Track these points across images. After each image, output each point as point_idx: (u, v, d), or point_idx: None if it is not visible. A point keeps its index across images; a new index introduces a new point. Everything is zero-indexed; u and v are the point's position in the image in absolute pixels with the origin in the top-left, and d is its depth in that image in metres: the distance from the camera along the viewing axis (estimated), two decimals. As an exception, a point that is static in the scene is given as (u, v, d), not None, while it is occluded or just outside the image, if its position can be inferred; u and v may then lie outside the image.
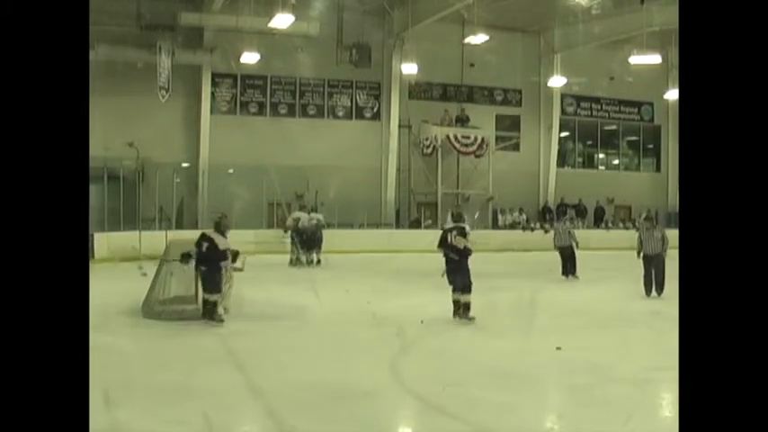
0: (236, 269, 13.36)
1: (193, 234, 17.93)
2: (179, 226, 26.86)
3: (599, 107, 37.25)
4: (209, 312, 12.39)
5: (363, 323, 12.87)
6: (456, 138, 32.08)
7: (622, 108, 37.77)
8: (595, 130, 37.82)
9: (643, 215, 23.76)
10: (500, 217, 33.01)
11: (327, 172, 29.23)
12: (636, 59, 30.15)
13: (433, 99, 33.47)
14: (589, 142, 38.33)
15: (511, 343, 11.18)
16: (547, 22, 33.04)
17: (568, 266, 19.81)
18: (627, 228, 34.57)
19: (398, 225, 31.86)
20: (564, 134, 36.61)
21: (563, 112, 35.96)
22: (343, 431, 7.13)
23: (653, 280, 16.01)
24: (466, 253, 12.84)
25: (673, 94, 36.39)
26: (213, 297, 12.48)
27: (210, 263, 12.61)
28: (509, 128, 35.17)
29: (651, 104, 38.15)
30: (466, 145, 32.27)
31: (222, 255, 12.73)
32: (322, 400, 7.84)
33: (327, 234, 24.23)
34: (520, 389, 8.47)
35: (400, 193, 32.48)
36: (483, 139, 32.53)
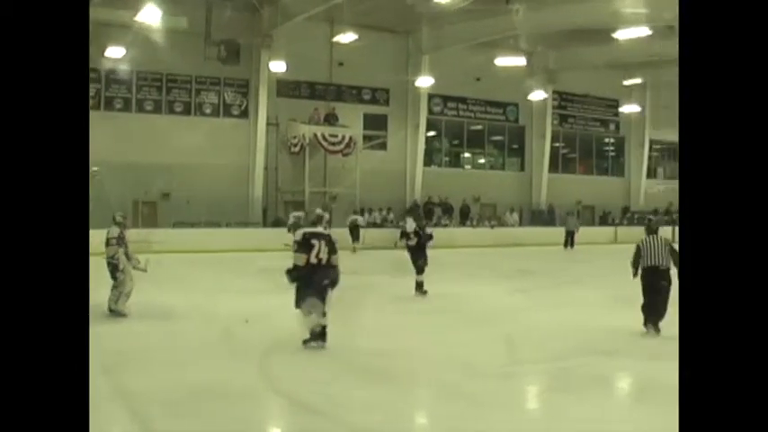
0: (138, 269, 13.26)
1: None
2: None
3: (465, 107, 37.90)
4: None
5: (231, 323, 12.75)
6: (324, 136, 32.06)
7: (488, 108, 38.54)
8: (462, 129, 38.46)
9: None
10: (367, 215, 33.09)
11: (195, 170, 28.87)
12: (501, 61, 30.79)
13: (301, 97, 33.35)
14: (455, 141, 38.97)
15: (378, 340, 11.22)
16: (415, 23, 33.35)
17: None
18: (492, 226, 35.33)
19: (266, 224, 31.61)
20: (431, 133, 37.06)
21: (430, 111, 36.38)
22: (212, 432, 7.07)
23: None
24: (423, 244, 16.05)
25: (536, 95, 37.42)
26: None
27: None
28: (377, 127, 35.41)
29: (516, 105, 39.08)
30: (334, 144, 32.29)
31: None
32: (190, 402, 7.73)
33: (195, 233, 24.05)
34: (389, 386, 8.54)
35: (268, 191, 32.24)
36: (351, 138, 32.61)
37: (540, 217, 39.22)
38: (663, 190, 47.02)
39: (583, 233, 36.51)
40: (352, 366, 9.52)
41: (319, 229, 10.76)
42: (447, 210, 36.06)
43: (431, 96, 36.11)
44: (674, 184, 48.13)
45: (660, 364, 9.97)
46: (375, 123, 35.34)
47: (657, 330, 11.64)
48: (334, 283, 10.40)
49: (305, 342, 10.16)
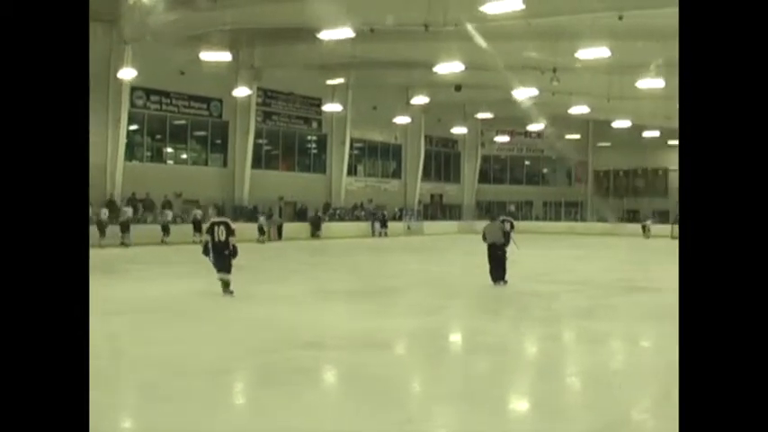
0: None
1: None
2: None
3: (169, 101, 37.50)
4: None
5: None
6: (18, 127, 30.44)
7: (192, 103, 38.34)
8: (164, 124, 37.96)
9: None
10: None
11: None
12: (206, 56, 30.63)
13: (-7, 86, 31.48)
14: (158, 136, 38.40)
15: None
16: (119, 12, 32.33)
17: None
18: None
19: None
20: (133, 127, 36.28)
21: (132, 104, 35.64)
22: None
23: None
24: (227, 243, 15.43)
25: (241, 92, 37.59)
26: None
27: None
28: (76, 119, 34.10)
29: (220, 101, 39.14)
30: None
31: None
32: None
33: None
34: (91, 389, 8.22)
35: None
36: (48, 130, 31.19)
37: (243, 212, 39.43)
38: (363, 186, 48.71)
39: (285, 228, 37.57)
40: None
41: None
42: (148, 206, 35.46)
43: (133, 89, 35.37)
44: (373, 181, 50.03)
45: (364, 354, 10.36)
46: (74, 115, 33.98)
47: (505, 282, 17.72)
48: None
49: None
